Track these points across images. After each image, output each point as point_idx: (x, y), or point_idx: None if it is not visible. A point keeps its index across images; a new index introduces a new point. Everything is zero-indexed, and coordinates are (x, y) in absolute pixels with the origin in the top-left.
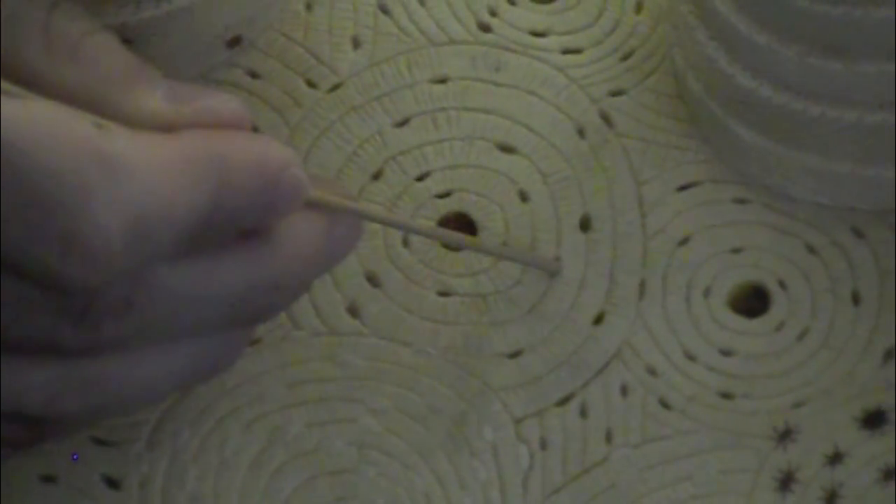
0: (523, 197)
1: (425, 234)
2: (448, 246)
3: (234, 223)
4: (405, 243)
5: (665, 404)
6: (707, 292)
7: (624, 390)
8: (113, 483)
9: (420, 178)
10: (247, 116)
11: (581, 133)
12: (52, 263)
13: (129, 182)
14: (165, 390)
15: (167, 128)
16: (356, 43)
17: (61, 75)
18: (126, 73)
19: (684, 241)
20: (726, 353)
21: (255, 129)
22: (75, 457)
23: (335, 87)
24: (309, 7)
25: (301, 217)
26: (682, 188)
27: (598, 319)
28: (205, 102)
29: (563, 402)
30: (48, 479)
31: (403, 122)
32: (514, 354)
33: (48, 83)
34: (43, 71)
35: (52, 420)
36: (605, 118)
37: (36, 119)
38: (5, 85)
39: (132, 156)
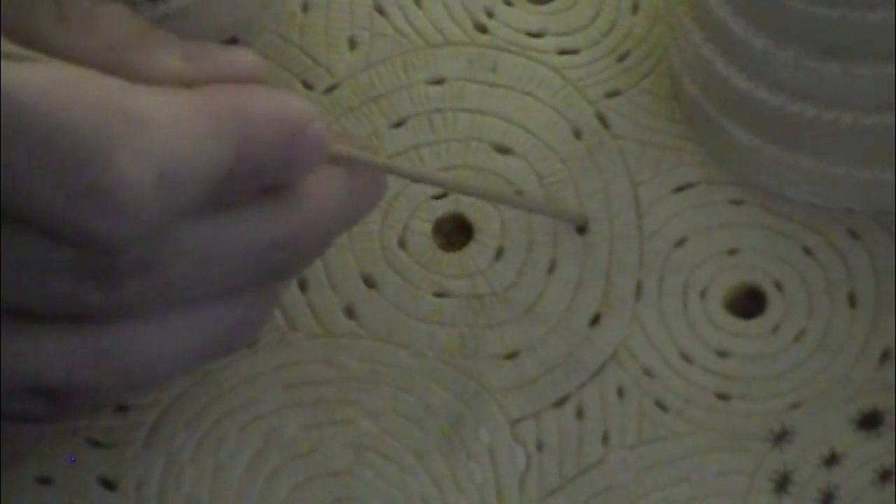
0: None
1: (451, 187)
2: (446, 245)
3: (256, 178)
4: (401, 244)
5: (661, 406)
6: (703, 294)
7: (620, 392)
8: (109, 485)
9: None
10: (266, 70)
11: (577, 134)
12: (80, 219)
13: (153, 135)
14: (192, 359)
15: (187, 86)
16: (352, 44)
17: (77, 44)
18: (141, 37)
19: (680, 243)
20: (723, 354)
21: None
22: (72, 459)
23: (331, 89)
24: (305, 8)
25: (323, 172)
26: (679, 189)
27: (595, 321)
28: (223, 58)
29: (560, 403)
30: (44, 480)
31: (400, 123)
32: (511, 356)
33: (64, 53)
34: (58, 41)
35: (74, 393)
36: (602, 119)
37: (57, 79)
38: (26, 52)
39: (155, 110)
